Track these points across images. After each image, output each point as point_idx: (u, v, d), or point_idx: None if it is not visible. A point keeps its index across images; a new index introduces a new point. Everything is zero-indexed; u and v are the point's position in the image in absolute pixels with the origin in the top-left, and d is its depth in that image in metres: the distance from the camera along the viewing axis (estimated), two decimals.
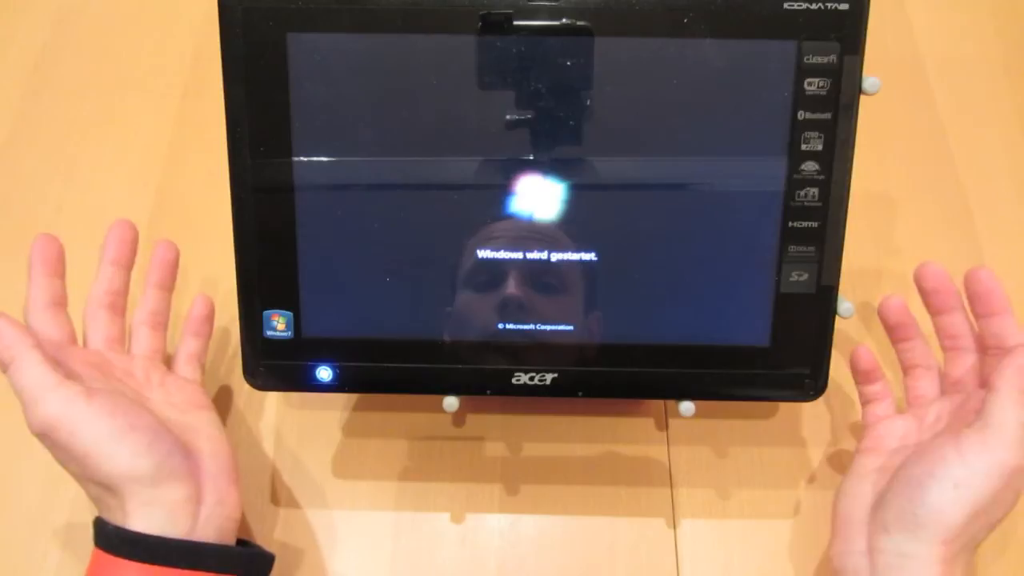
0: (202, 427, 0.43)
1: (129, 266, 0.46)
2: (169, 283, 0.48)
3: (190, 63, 0.65)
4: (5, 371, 0.38)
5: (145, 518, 0.38)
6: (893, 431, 0.44)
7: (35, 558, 0.48)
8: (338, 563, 0.48)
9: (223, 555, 0.39)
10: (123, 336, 0.46)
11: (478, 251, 0.42)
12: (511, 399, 0.52)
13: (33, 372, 0.37)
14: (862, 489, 0.42)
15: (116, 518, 0.38)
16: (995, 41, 0.66)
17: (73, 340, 0.43)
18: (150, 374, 0.45)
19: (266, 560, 0.42)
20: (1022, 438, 0.37)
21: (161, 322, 0.47)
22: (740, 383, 0.44)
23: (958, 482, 0.37)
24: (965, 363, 0.43)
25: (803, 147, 0.41)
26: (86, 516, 0.49)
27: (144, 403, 0.41)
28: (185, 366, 0.47)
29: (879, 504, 0.40)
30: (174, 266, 0.48)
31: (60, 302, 0.44)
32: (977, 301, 0.42)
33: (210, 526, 0.40)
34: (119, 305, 0.46)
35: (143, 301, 0.47)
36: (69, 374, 0.39)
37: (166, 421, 0.41)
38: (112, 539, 0.37)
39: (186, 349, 0.48)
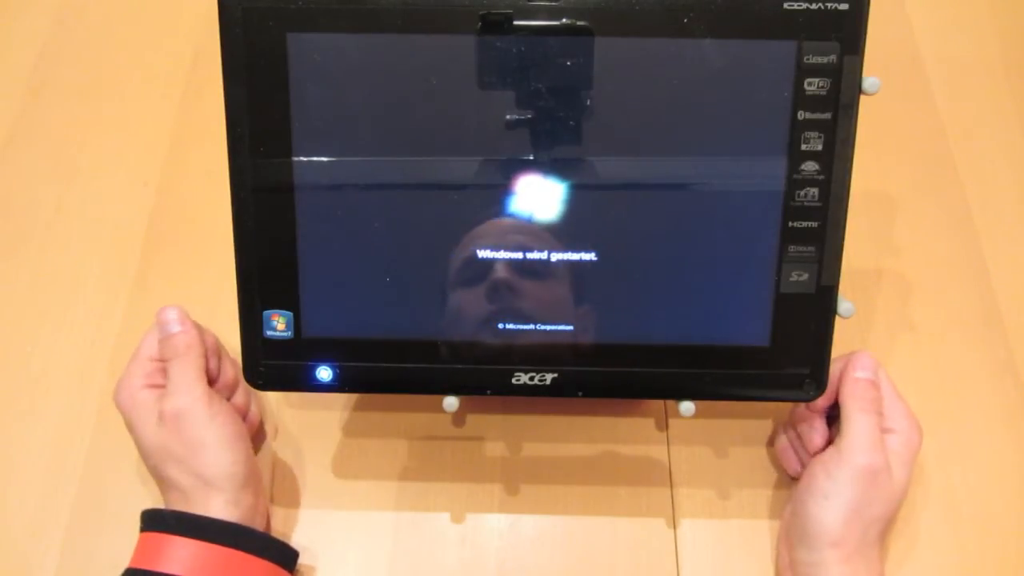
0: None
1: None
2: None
3: (190, 63, 0.65)
4: (171, 358, 0.45)
5: (224, 514, 0.43)
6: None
7: (36, 558, 0.48)
8: (338, 563, 0.48)
9: (262, 541, 0.44)
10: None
11: (477, 251, 0.42)
12: (511, 399, 0.52)
13: (191, 369, 0.45)
14: (784, 516, 0.48)
15: (192, 509, 0.43)
16: (995, 41, 0.66)
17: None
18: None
19: (293, 554, 0.46)
20: (872, 442, 0.43)
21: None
22: (740, 383, 0.44)
23: (827, 493, 0.43)
24: None
25: (803, 147, 0.41)
26: (85, 517, 0.49)
27: None
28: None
29: (787, 525, 0.46)
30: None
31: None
32: None
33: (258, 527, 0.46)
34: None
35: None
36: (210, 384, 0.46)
37: None
38: (169, 521, 0.43)
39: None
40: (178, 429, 0.44)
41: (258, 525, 0.45)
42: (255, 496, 0.46)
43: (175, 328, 0.46)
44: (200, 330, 0.48)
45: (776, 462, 0.50)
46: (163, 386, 0.46)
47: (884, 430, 0.44)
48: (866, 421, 0.43)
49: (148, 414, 0.44)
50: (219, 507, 0.43)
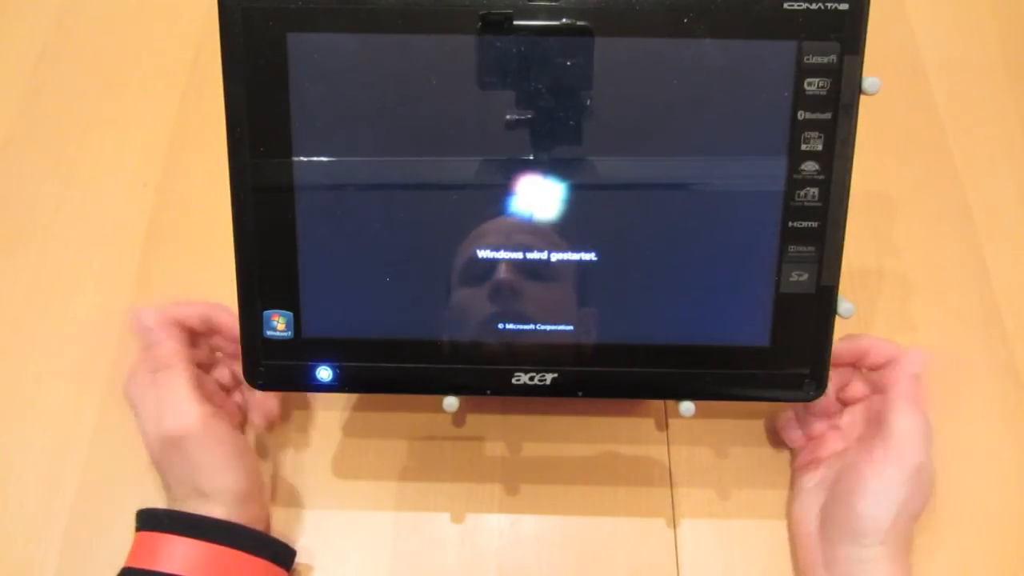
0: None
1: None
2: None
3: (190, 63, 0.65)
4: (156, 372, 0.44)
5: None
6: (823, 443, 0.48)
7: (36, 558, 0.48)
8: (338, 563, 0.48)
9: (258, 539, 0.44)
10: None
11: (477, 251, 0.42)
12: (511, 399, 0.52)
13: (183, 384, 0.44)
14: (809, 505, 0.46)
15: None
16: (995, 41, 0.66)
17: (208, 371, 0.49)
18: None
19: (290, 553, 0.46)
20: (923, 441, 0.43)
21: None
22: (740, 383, 0.44)
23: (877, 491, 0.42)
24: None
25: (803, 147, 0.41)
26: (85, 517, 0.49)
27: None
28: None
29: (822, 520, 0.45)
30: None
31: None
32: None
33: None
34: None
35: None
36: (204, 395, 0.45)
37: None
38: (163, 519, 0.43)
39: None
40: (177, 450, 0.43)
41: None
42: (256, 506, 0.46)
43: (154, 336, 0.44)
44: (183, 330, 0.46)
45: (773, 436, 0.51)
46: None
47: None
48: (919, 419, 0.43)
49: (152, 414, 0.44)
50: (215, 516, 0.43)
